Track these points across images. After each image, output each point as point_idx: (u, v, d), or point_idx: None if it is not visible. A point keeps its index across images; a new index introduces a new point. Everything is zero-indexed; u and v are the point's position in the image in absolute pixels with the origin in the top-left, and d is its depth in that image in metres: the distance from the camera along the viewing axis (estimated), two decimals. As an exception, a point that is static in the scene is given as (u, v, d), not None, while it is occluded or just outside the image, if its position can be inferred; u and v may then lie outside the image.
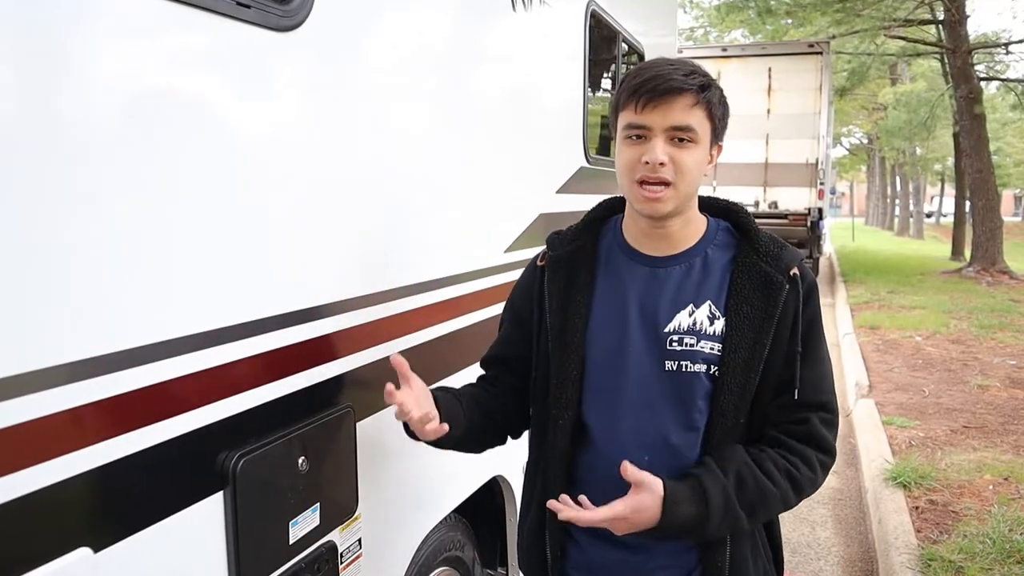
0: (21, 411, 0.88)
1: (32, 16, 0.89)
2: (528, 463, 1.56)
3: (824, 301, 8.63)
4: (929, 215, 47.72)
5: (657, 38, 4.03)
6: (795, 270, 1.36)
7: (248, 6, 1.20)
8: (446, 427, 1.36)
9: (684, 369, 1.34)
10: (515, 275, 1.69)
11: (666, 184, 1.30)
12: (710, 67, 11.27)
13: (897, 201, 39.65)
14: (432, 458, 1.61)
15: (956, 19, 14.18)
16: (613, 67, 3.41)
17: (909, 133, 21.05)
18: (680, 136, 1.29)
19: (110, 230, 1.00)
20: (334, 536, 1.50)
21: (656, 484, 1.26)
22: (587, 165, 2.88)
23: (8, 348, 0.87)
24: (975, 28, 26.59)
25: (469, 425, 1.44)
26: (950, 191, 34.05)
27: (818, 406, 1.36)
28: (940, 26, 15.61)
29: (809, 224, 11.98)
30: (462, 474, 2.10)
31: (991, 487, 4.18)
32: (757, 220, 1.44)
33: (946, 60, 16.22)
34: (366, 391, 1.60)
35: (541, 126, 2.55)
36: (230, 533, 1.22)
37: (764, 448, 1.35)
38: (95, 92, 0.98)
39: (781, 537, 1.51)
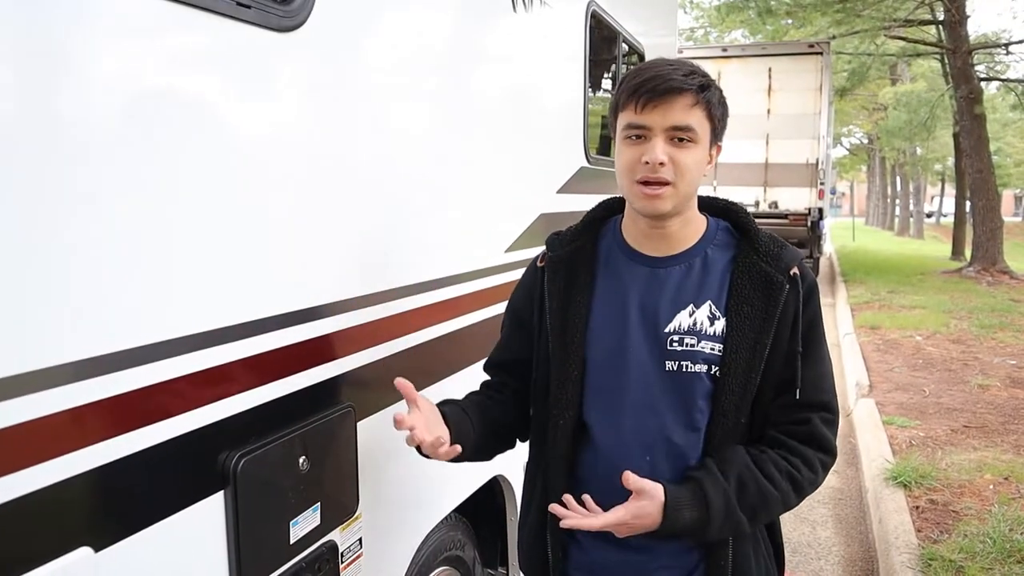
0: (22, 411, 0.88)
1: (32, 16, 0.89)
2: (528, 463, 1.56)
3: (824, 301, 8.60)
4: (929, 215, 47.69)
5: (657, 38, 4.03)
6: (795, 270, 1.36)
7: (248, 6, 1.20)
8: (459, 448, 1.36)
9: (685, 369, 1.34)
10: (516, 275, 1.69)
11: (666, 184, 1.30)
12: (710, 67, 11.31)
13: (897, 201, 39.63)
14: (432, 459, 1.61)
15: (956, 19, 14.18)
16: (613, 67, 3.41)
17: (909, 133, 21.04)
18: (680, 136, 1.29)
19: (110, 230, 1.00)
20: (335, 536, 1.50)
21: (657, 490, 1.26)
22: (588, 165, 2.88)
23: (8, 348, 0.87)
24: (975, 28, 26.63)
25: (479, 439, 1.45)
26: (950, 191, 34.05)
27: (819, 406, 1.36)
28: (940, 26, 15.60)
29: (809, 224, 11.97)
30: (462, 474, 2.10)
31: (991, 487, 4.18)
32: (757, 220, 1.44)
33: (946, 60, 16.22)
34: (367, 391, 1.60)
35: (541, 126, 2.55)
36: (231, 533, 1.22)
37: (765, 449, 1.35)
38: (95, 92, 0.98)
39: (782, 535, 1.51)
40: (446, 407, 1.43)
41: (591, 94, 2.94)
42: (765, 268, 1.36)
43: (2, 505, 0.86)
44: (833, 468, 1.41)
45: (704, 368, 1.34)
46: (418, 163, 1.78)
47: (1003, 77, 20.13)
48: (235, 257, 1.22)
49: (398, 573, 1.81)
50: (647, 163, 1.29)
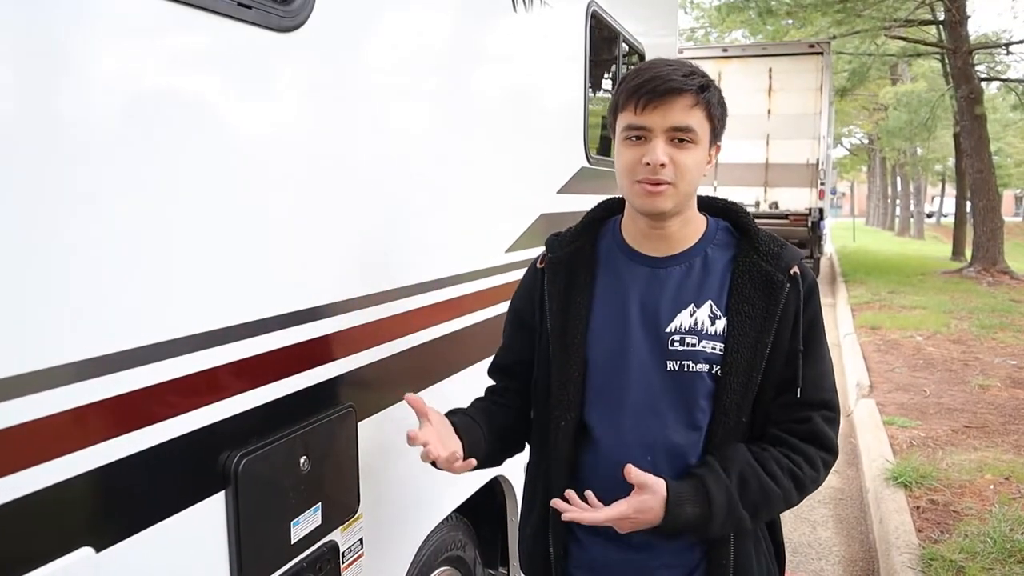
0: (22, 411, 0.88)
1: (32, 16, 0.89)
2: (529, 464, 1.55)
3: (825, 301, 8.60)
4: (930, 215, 47.69)
5: (658, 38, 4.03)
6: (795, 269, 1.36)
7: (249, 7, 1.20)
8: (473, 462, 1.36)
9: (686, 369, 1.34)
10: (516, 275, 1.69)
11: (667, 184, 1.30)
12: (711, 67, 11.32)
13: (898, 201, 39.64)
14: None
15: (956, 19, 14.17)
16: (614, 67, 3.41)
17: (910, 133, 21.04)
18: (680, 137, 1.29)
19: (110, 230, 1.00)
20: (336, 536, 1.50)
21: (659, 485, 1.26)
22: (588, 165, 2.88)
23: (9, 348, 0.87)
24: (976, 28, 26.62)
25: (490, 447, 1.45)
26: (951, 191, 34.04)
27: (820, 404, 1.36)
28: (941, 26, 15.60)
29: (810, 224, 11.97)
30: (463, 474, 2.10)
31: (992, 487, 4.18)
32: (758, 221, 1.44)
33: (947, 60, 16.21)
34: (367, 391, 1.60)
35: (542, 126, 2.55)
36: (232, 533, 1.22)
37: (767, 447, 1.35)
38: (95, 92, 0.98)
39: (782, 534, 1.51)
40: (455, 417, 1.42)
41: (591, 94, 2.94)
42: (765, 267, 1.36)
43: (3, 505, 0.86)
44: (834, 468, 1.41)
45: (705, 367, 1.34)
46: (418, 163, 1.78)
47: (1004, 77, 20.14)
48: (235, 257, 1.22)
49: (399, 573, 1.81)
50: (648, 164, 1.29)
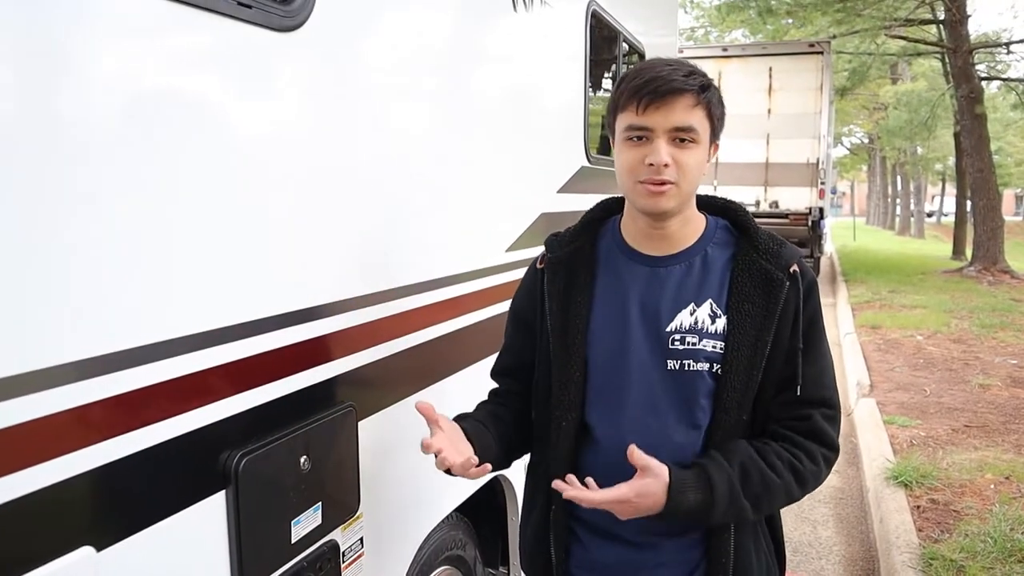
0: (23, 411, 0.88)
1: (32, 16, 0.89)
2: (530, 464, 1.55)
3: (825, 301, 8.61)
4: (930, 215, 47.67)
5: (658, 38, 4.03)
6: (795, 267, 1.36)
7: (249, 6, 1.20)
8: (488, 467, 1.34)
9: (687, 368, 1.34)
10: (516, 275, 1.69)
11: (670, 183, 1.30)
12: (711, 67, 11.31)
13: (898, 200, 39.62)
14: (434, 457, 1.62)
15: (957, 19, 14.17)
16: (614, 67, 3.41)
17: (910, 133, 21.04)
18: (682, 136, 1.29)
19: (110, 230, 1.00)
20: (336, 535, 1.50)
21: (662, 470, 1.25)
22: (588, 165, 2.88)
23: (9, 348, 0.87)
24: (976, 28, 26.62)
25: (500, 451, 1.44)
26: (951, 190, 34.02)
27: (820, 402, 1.36)
28: (941, 26, 15.59)
29: (810, 224, 11.97)
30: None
31: (992, 486, 4.18)
32: (758, 220, 1.45)
33: (947, 60, 16.21)
34: (368, 390, 1.60)
35: (542, 126, 2.55)
36: (232, 532, 1.22)
37: (768, 441, 1.35)
38: (95, 92, 0.98)
39: (783, 532, 1.51)
40: (465, 423, 1.42)
41: (592, 94, 2.94)
42: (765, 265, 1.36)
43: (4, 505, 0.87)
44: (834, 468, 1.41)
45: (706, 366, 1.34)
46: (418, 163, 1.78)
47: (1004, 76, 20.12)
48: (235, 257, 1.22)
49: (399, 572, 1.81)
50: (651, 165, 1.29)
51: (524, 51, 2.35)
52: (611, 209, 1.52)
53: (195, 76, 1.15)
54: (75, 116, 0.95)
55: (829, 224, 19.02)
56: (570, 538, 1.46)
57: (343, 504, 1.52)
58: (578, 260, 1.46)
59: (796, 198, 12.17)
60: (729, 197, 1.50)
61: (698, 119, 1.30)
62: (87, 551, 0.97)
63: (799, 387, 1.34)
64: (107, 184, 1.00)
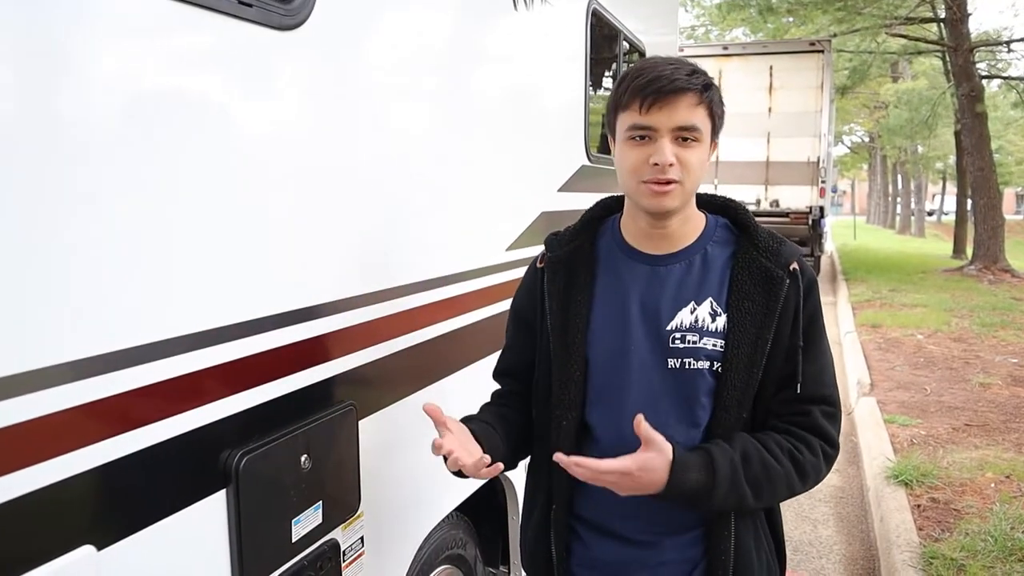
0: (23, 410, 0.88)
1: (32, 16, 0.89)
2: (531, 463, 1.55)
3: (826, 299, 8.63)
4: (931, 213, 47.66)
5: (658, 36, 4.03)
6: (795, 265, 1.36)
7: (250, 5, 1.20)
8: (501, 466, 1.34)
9: (687, 366, 1.34)
10: (517, 274, 1.69)
11: (675, 183, 1.30)
12: (711, 65, 11.30)
13: (899, 199, 39.61)
14: (434, 456, 1.61)
15: (957, 17, 14.16)
16: (614, 66, 3.41)
17: (911, 131, 21.05)
18: (685, 136, 1.29)
19: (110, 230, 1.00)
20: (336, 534, 1.50)
21: (666, 446, 1.24)
22: (588, 163, 2.88)
23: (9, 348, 0.87)
24: (976, 26, 26.65)
25: (507, 451, 1.44)
26: (951, 189, 34.01)
27: (820, 400, 1.36)
28: (941, 24, 15.58)
29: (811, 222, 11.97)
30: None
31: (993, 485, 4.18)
32: (759, 219, 1.44)
33: (947, 58, 16.21)
34: (368, 389, 1.60)
35: (542, 125, 2.55)
36: (233, 531, 1.22)
37: (768, 432, 1.35)
38: (95, 92, 0.98)
39: (783, 531, 1.51)
40: (472, 424, 1.42)
41: (592, 92, 2.94)
42: (765, 264, 1.36)
43: (4, 504, 0.87)
44: (835, 466, 1.41)
45: (706, 364, 1.34)
46: (418, 163, 1.78)
47: (1004, 75, 20.08)
48: (235, 256, 1.22)
49: (400, 572, 1.81)
50: (656, 164, 1.29)
51: (524, 50, 2.35)
52: (610, 208, 1.52)
53: (195, 75, 1.15)
54: (75, 116, 0.95)
55: (829, 223, 19.01)
56: (571, 536, 1.46)
57: (343, 503, 1.52)
58: (578, 259, 1.46)
59: (797, 197, 12.16)
60: (730, 196, 1.50)
61: (701, 118, 1.30)
62: (88, 550, 0.97)
63: (799, 385, 1.34)
64: (107, 184, 1.00)
